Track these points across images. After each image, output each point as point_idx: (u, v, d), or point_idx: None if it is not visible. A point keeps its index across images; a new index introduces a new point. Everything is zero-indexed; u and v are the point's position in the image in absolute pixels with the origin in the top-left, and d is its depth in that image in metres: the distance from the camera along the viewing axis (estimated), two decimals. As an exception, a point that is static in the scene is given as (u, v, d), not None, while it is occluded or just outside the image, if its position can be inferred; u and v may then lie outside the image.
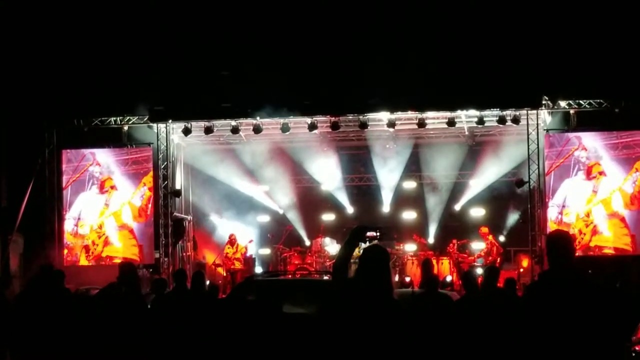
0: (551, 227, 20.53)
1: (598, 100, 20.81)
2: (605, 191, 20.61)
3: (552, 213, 20.86)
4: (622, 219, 20.55)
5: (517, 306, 10.01)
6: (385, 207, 25.44)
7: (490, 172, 24.24)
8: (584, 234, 20.56)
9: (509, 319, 9.35)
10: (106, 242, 21.90)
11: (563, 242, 5.96)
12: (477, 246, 22.25)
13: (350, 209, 25.95)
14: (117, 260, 20.88)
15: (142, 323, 9.43)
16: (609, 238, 20.56)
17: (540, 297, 5.77)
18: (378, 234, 6.08)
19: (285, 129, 21.78)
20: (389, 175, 24.78)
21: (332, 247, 23.08)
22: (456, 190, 25.48)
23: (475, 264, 21.04)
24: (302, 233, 25.51)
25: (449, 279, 20.38)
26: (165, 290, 12.40)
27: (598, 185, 20.67)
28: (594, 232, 20.59)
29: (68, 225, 22.02)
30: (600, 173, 20.64)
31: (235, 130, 22.01)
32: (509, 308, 9.56)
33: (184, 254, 23.41)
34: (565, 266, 5.82)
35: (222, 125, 22.28)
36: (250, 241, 23.46)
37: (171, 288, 12.60)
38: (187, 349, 10.23)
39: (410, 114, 21.68)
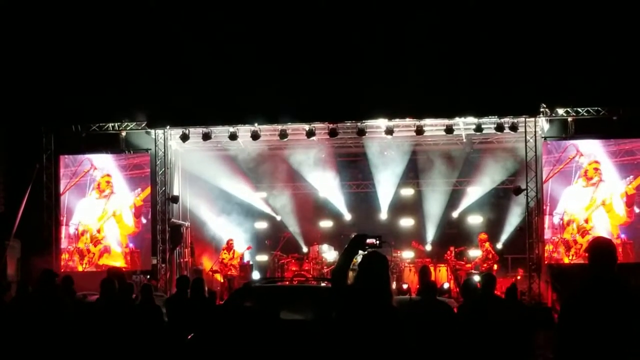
0: (548, 234, 20.61)
1: (596, 108, 20.84)
2: (604, 197, 20.60)
3: (551, 221, 20.83)
4: (617, 227, 20.58)
5: (518, 312, 10.04)
6: (383, 214, 25.44)
7: (488, 180, 24.29)
8: (580, 245, 20.46)
9: (507, 326, 9.37)
10: (104, 250, 21.81)
11: (607, 250, 5.99)
12: (475, 253, 22.24)
13: (347, 216, 25.95)
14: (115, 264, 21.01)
15: (134, 331, 9.44)
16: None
17: (584, 304, 5.78)
18: (378, 242, 6.07)
19: (283, 135, 21.79)
20: (386, 182, 24.76)
21: (329, 253, 23.08)
22: (454, 198, 25.52)
23: (472, 271, 21.04)
24: (300, 240, 25.52)
25: (446, 286, 20.36)
26: (152, 295, 12.47)
27: (597, 192, 20.66)
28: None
29: (68, 231, 21.95)
30: (599, 178, 20.62)
31: (233, 136, 21.97)
32: (506, 315, 9.56)
33: (182, 260, 23.36)
34: (608, 274, 5.85)
35: (220, 131, 22.26)
36: (249, 248, 23.50)
37: (169, 294, 12.64)
38: (185, 355, 10.21)
39: (408, 121, 21.66)
